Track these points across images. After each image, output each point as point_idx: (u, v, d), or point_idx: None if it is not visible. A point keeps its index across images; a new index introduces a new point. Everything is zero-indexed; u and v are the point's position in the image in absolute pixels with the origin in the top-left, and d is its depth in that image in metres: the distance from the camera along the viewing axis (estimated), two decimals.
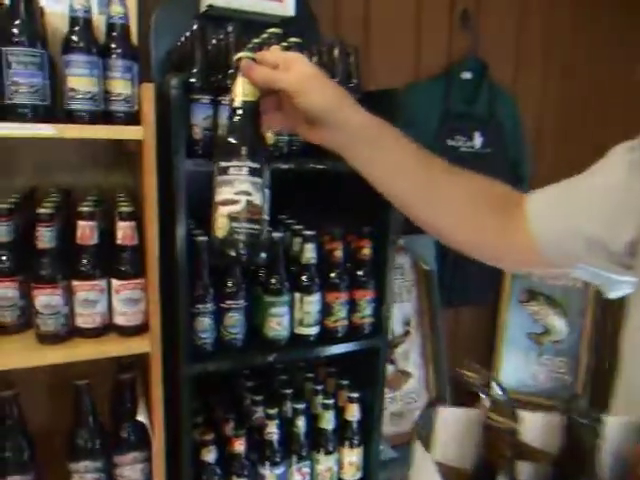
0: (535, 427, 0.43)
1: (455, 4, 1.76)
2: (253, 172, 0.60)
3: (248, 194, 0.59)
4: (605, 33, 1.98)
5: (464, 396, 0.47)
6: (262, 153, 0.62)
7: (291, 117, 0.68)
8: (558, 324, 1.99)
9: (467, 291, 1.94)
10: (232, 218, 0.59)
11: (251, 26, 1.30)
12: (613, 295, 0.69)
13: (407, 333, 1.81)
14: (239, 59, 0.64)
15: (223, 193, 0.60)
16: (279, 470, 1.24)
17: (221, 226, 0.59)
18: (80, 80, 0.92)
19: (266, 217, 0.62)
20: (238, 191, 0.59)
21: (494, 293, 2.02)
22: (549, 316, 1.99)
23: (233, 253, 0.59)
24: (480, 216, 0.71)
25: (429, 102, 1.76)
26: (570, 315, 1.98)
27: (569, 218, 0.65)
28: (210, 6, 1.27)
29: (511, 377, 2.01)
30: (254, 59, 0.63)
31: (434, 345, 1.84)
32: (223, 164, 0.60)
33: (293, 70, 0.64)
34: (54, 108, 0.94)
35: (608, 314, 1.93)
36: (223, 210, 0.59)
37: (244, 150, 0.60)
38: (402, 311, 1.80)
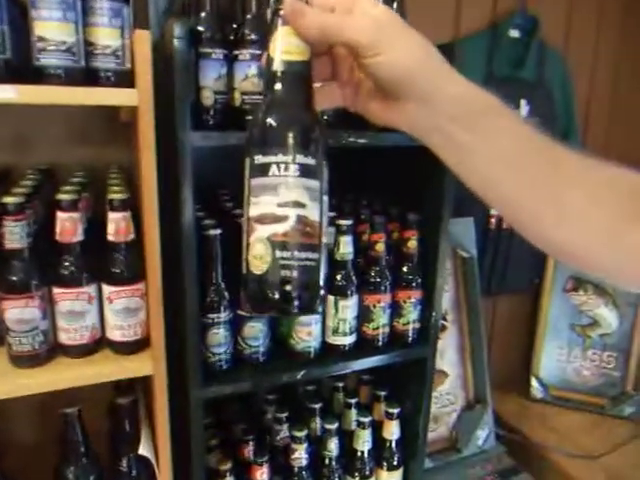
0: None
1: None
2: (307, 171, 0.39)
3: (300, 206, 0.39)
4: None
5: None
6: (318, 142, 0.41)
7: (352, 88, 0.47)
8: (608, 316, 1.78)
9: (507, 277, 1.74)
10: (276, 244, 0.38)
11: None
12: None
13: (443, 328, 1.61)
14: (280, 0, 0.41)
15: (261, 205, 0.39)
16: None
17: (259, 256, 0.38)
18: (51, 26, 0.69)
19: (325, 240, 0.41)
20: (284, 201, 0.39)
21: (537, 280, 1.81)
22: (598, 307, 1.78)
23: (276, 297, 0.38)
24: (626, 231, 0.49)
25: (471, 63, 1.52)
26: (621, 306, 1.78)
27: None
28: None
29: (553, 372, 1.82)
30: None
31: (473, 341, 1.64)
32: (260, 159, 0.40)
33: (361, 15, 0.42)
34: (20, 64, 0.71)
35: None
36: (262, 231, 0.39)
37: (292, 137, 0.40)
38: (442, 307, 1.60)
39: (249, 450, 1.06)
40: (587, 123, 1.77)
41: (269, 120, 0.41)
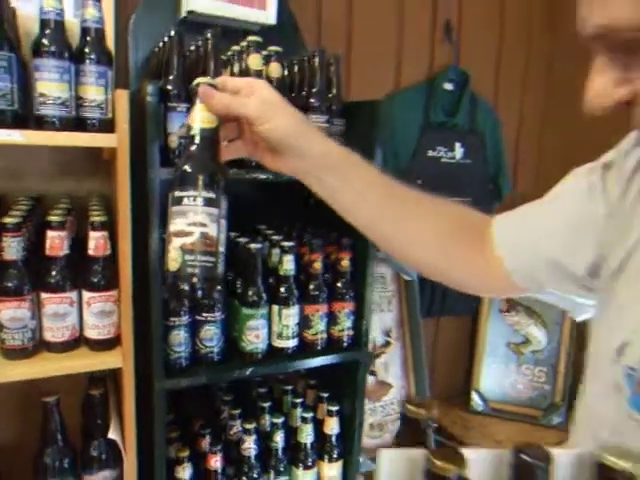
0: (482, 467, 0.42)
1: (437, 15, 1.76)
2: (209, 202, 0.58)
3: (203, 225, 0.57)
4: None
5: (412, 431, 0.45)
6: (219, 183, 0.59)
7: (252, 145, 0.67)
8: (537, 334, 1.99)
9: (448, 301, 1.94)
10: (185, 250, 0.56)
11: (232, 32, 1.29)
12: (580, 318, 0.70)
13: (388, 344, 1.80)
14: (197, 85, 0.61)
15: (177, 224, 0.57)
16: None
17: (174, 258, 0.56)
18: (50, 85, 0.89)
19: (222, 249, 0.59)
20: (192, 222, 0.57)
21: (475, 303, 2.02)
22: (529, 326, 1.99)
23: (186, 287, 0.56)
24: (449, 246, 0.71)
25: (410, 112, 1.76)
26: (549, 325, 1.99)
27: (532, 243, 0.65)
28: (191, 12, 1.25)
29: (491, 387, 2.01)
30: (214, 85, 0.61)
31: (415, 356, 1.83)
32: (178, 194, 0.58)
33: (254, 96, 0.62)
34: (25, 114, 0.90)
35: (583, 326, 1.95)
36: (176, 242, 0.57)
37: (200, 179, 0.58)
38: (383, 321, 1.79)
39: (205, 442, 1.21)
40: (517, 163, 2.02)
41: (185, 167, 0.60)
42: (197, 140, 0.60)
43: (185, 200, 0.57)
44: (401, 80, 1.75)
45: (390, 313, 1.82)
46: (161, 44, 1.11)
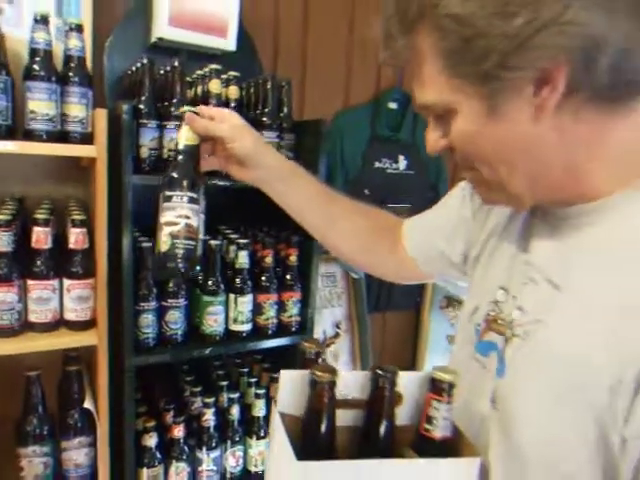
0: (349, 381, 0.61)
1: None
2: (191, 200, 0.77)
3: (187, 217, 0.76)
4: None
5: (303, 362, 0.63)
6: (199, 186, 0.79)
7: (223, 159, 0.86)
8: None
9: (393, 297, 2.15)
10: (173, 236, 0.75)
11: (196, 57, 1.48)
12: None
13: (337, 335, 2.00)
14: (184, 111, 0.81)
15: (167, 216, 0.76)
16: (215, 454, 1.38)
17: (164, 241, 0.75)
18: (40, 104, 1.05)
19: (201, 237, 0.79)
20: (179, 215, 0.75)
21: (417, 299, 2.24)
22: None
23: (172, 264, 0.74)
24: (370, 243, 0.92)
25: (358, 128, 1.97)
26: None
27: (427, 238, 0.86)
28: (160, 39, 1.43)
29: None
30: (196, 112, 0.81)
31: (361, 347, 2.03)
32: (167, 193, 0.77)
33: (227, 122, 0.82)
34: (15, 127, 1.07)
35: None
36: (166, 230, 0.75)
37: (185, 183, 0.77)
38: (333, 315, 1.99)
39: (170, 416, 1.37)
40: (455, 173, 2.24)
41: (174, 174, 0.79)
42: (182, 153, 0.80)
43: (174, 198, 0.76)
44: (350, 99, 1.97)
45: (340, 308, 2.01)
46: (134, 68, 1.29)
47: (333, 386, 0.57)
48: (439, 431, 0.58)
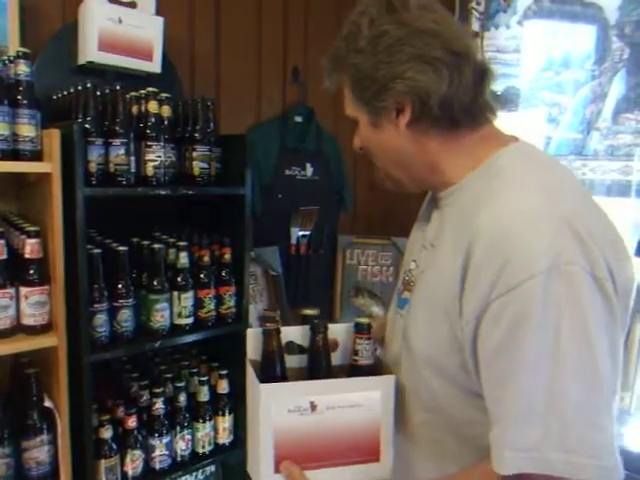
0: (295, 333, 0.85)
1: (287, 62, 2.22)
2: None
3: None
4: None
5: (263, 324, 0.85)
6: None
7: None
8: (379, 312, 2.52)
9: (309, 291, 2.39)
10: None
11: (121, 77, 1.61)
12: None
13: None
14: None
15: None
16: (166, 439, 1.52)
17: None
18: None
19: None
20: None
21: (330, 292, 2.49)
22: (372, 306, 2.52)
23: None
24: None
25: (269, 140, 2.19)
26: (386, 305, 2.53)
27: None
28: (90, 62, 1.54)
29: None
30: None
31: None
32: None
33: None
34: None
35: None
36: None
37: None
38: (257, 310, 2.17)
39: (121, 410, 1.48)
40: (355, 179, 2.54)
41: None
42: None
43: None
44: (261, 114, 2.18)
45: (262, 304, 2.21)
46: (72, 89, 1.39)
47: (278, 332, 0.81)
48: (364, 360, 0.80)
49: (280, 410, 0.76)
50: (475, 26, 2.14)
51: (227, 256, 1.58)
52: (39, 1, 1.59)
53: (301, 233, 2.30)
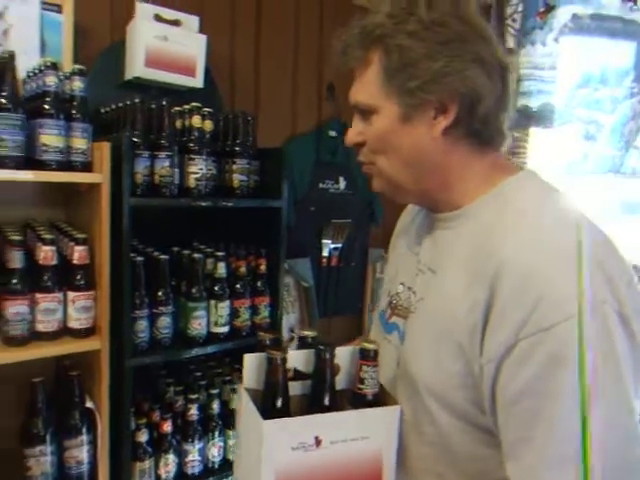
0: (297, 357, 0.77)
1: (323, 79, 2.27)
2: None
3: None
4: None
5: (261, 348, 0.76)
6: None
7: None
8: None
9: (339, 304, 2.41)
10: None
11: (167, 92, 1.67)
12: None
13: (292, 339, 2.21)
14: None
15: None
16: (199, 445, 1.55)
17: None
18: (51, 138, 1.21)
19: None
20: None
21: (359, 304, 2.51)
22: None
23: None
24: None
25: (304, 153, 2.23)
26: None
27: None
28: (137, 78, 1.61)
29: None
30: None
31: None
32: None
33: None
34: (29, 158, 1.21)
35: None
36: None
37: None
38: (288, 321, 2.20)
39: (157, 414, 1.52)
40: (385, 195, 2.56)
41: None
42: None
43: None
44: (297, 128, 2.23)
45: (294, 314, 2.24)
46: (121, 104, 1.46)
47: (284, 361, 0.72)
48: (369, 389, 0.74)
49: (284, 448, 0.70)
50: (511, 43, 2.14)
51: (262, 267, 1.61)
52: (90, 20, 1.67)
53: (333, 246, 2.33)
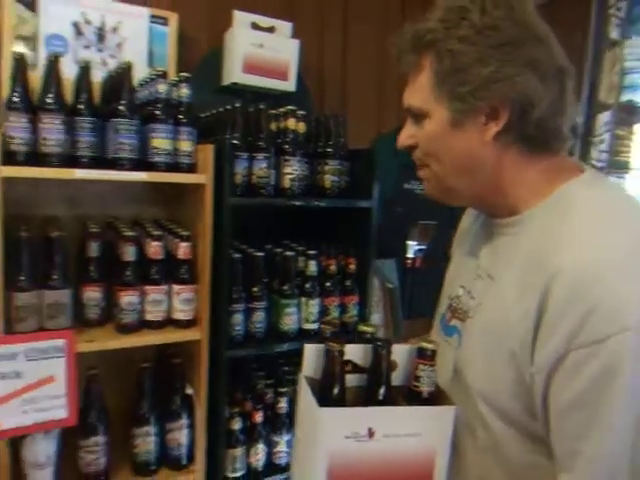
0: (355, 351, 0.78)
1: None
2: None
3: None
4: None
5: (321, 339, 0.78)
6: None
7: None
8: None
9: (423, 305, 2.38)
10: None
11: (261, 96, 1.74)
12: None
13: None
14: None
15: None
16: (287, 437, 1.60)
17: None
18: (161, 142, 1.30)
19: None
20: None
21: None
22: None
23: None
24: None
25: (391, 153, 2.22)
26: None
27: None
28: (234, 83, 1.69)
29: None
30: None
31: None
32: None
33: None
34: (141, 160, 1.31)
35: None
36: None
37: None
38: (372, 321, 2.21)
39: (249, 404, 1.59)
40: None
41: None
42: None
43: None
44: (383, 129, 2.23)
45: (378, 314, 2.24)
46: (221, 108, 1.54)
47: (342, 354, 0.75)
48: (425, 387, 0.75)
49: (337, 435, 0.72)
50: (614, 34, 2.02)
51: (352, 266, 1.64)
52: (191, 30, 1.77)
53: (417, 247, 2.32)
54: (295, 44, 1.81)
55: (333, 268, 1.61)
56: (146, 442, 1.40)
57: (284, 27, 1.82)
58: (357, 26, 2.11)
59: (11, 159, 1.17)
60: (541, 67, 0.68)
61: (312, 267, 1.56)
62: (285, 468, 1.62)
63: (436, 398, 0.77)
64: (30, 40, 1.54)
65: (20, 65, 1.19)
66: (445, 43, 0.69)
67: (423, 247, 2.33)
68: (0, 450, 1.22)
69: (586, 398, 0.61)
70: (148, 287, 1.35)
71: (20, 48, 1.51)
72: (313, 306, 1.57)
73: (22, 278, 1.21)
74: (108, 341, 1.30)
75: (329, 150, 1.58)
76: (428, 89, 0.72)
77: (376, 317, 2.24)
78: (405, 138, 0.80)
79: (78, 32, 1.58)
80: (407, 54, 0.75)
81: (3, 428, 1.19)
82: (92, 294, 1.34)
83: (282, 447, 1.61)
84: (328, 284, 1.60)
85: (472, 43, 0.68)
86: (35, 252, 1.25)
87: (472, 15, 0.68)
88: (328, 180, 1.58)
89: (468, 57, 0.68)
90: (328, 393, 0.75)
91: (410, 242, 2.30)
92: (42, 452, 1.29)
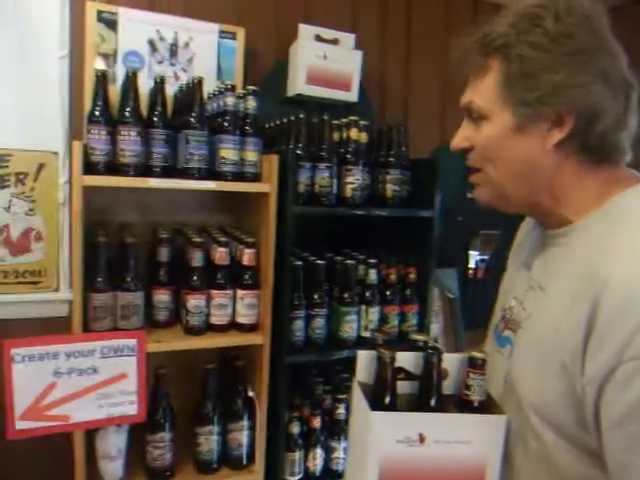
0: (406, 358, 0.79)
1: None
2: None
3: None
4: None
5: (374, 346, 0.79)
6: None
7: None
8: None
9: (484, 316, 2.33)
10: None
11: (324, 107, 1.77)
12: None
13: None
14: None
15: None
16: (345, 443, 1.61)
17: None
18: (228, 152, 1.36)
19: None
20: None
21: None
22: None
23: None
24: None
25: (453, 162, 2.20)
26: None
27: None
28: (299, 94, 1.73)
29: None
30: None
31: None
32: None
33: None
34: (209, 170, 1.37)
35: None
36: None
37: None
38: (432, 330, 2.19)
39: (307, 410, 1.62)
40: None
41: None
42: None
43: None
44: (446, 138, 2.21)
45: (437, 324, 2.22)
46: (285, 119, 1.58)
47: (393, 360, 0.76)
48: (476, 396, 0.75)
49: (389, 439, 0.74)
50: None
51: (412, 275, 1.63)
52: (258, 44, 1.83)
53: (480, 257, 2.27)
54: (358, 55, 1.83)
55: (393, 277, 1.61)
56: (209, 441, 1.46)
57: (347, 39, 1.85)
58: (419, 36, 2.11)
59: (92, 169, 1.26)
60: (611, 79, 0.68)
61: (372, 275, 1.57)
62: (342, 474, 1.63)
63: (487, 407, 0.78)
64: (109, 57, 1.65)
65: (102, 81, 1.28)
66: (515, 48, 0.69)
67: (485, 257, 2.28)
68: (76, 442, 1.31)
69: (636, 410, 0.60)
70: (214, 291, 1.41)
71: (101, 64, 1.62)
72: (373, 314, 1.58)
73: (99, 280, 1.30)
74: (175, 342, 1.37)
75: (390, 159, 1.59)
76: (494, 92, 0.72)
77: (435, 327, 2.21)
78: (460, 140, 0.79)
79: (153, 48, 1.68)
80: (473, 56, 0.74)
81: (80, 420, 1.27)
82: (162, 297, 1.41)
83: (339, 453, 1.62)
84: (388, 293, 1.60)
85: (545, 50, 0.68)
86: (111, 256, 1.33)
87: (546, 22, 0.68)
88: (389, 189, 1.58)
89: (539, 63, 0.68)
90: (380, 398, 0.77)
91: (472, 252, 2.25)
92: (113, 445, 1.37)
